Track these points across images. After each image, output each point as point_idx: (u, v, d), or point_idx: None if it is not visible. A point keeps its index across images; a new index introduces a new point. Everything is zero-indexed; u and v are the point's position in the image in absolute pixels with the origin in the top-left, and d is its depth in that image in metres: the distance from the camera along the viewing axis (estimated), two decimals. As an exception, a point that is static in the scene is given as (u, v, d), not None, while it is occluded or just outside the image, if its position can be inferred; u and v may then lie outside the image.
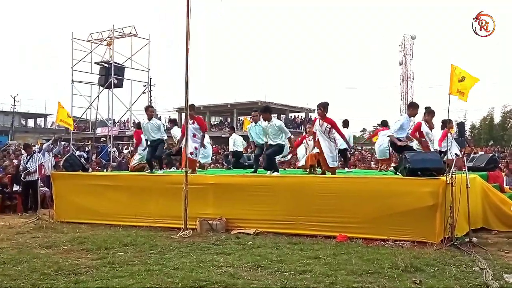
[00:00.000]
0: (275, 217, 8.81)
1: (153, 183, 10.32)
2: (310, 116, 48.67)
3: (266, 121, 10.32)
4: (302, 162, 12.66)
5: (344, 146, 11.81)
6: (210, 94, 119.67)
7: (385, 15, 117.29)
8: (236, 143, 14.78)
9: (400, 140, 9.58)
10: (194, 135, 10.99)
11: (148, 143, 11.56)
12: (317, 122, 10.00)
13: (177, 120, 29.15)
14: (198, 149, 11.11)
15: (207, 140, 13.68)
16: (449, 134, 10.81)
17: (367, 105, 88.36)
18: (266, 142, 10.56)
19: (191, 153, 10.51)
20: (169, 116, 44.83)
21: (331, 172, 9.85)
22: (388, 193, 8.13)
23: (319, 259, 6.56)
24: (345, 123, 13.29)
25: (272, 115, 11.07)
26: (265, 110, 10.55)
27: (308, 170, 11.49)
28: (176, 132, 12.65)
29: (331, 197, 8.50)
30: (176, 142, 12.23)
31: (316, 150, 10.12)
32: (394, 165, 11.08)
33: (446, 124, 11.11)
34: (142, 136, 12.22)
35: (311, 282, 5.41)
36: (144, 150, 12.25)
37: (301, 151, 12.80)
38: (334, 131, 9.87)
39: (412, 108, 10.16)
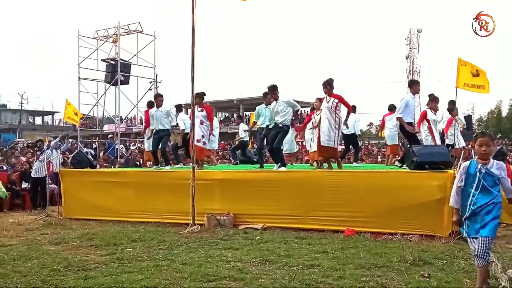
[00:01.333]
0: (282, 212, 8.82)
1: (160, 179, 10.35)
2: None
3: (274, 101, 10.25)
4: (312, 147, 12.40)
5: (352, 131, 11.79)
6: (217, 90, 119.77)
7: (391, 9, 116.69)
8: (243, 129, 14.84)
9: (409, 125, 9.58)
10: (202, 122, 10.94)
11: (154, 132, 11.60)
12: (325, 100, 9.89)
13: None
14: (205, 137, 11.07)
15: (216, 125, 13.80)
16: (454, 121, 10.80)
17: (373, 100, 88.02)
18: (268, 126, 10.53)
19: (197, 141, 10.50)
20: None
21: (321, 155, 9.78)
22: (395, 187, 8.12)
23: (327, 253, 6.56)
24: (353, 108, 13.16)
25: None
26: (275, 88, 10.30)
27: (315, 164, 11.47)
28: (183, 117, 12.52)
29: (339, 191, 8.49)
30: (181, 131, 12.20)
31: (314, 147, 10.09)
32: (399, 158, 11.08)
33: (452, 105, 11.09)
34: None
35: (319, 276, 5.42)
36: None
37: (307, 136, 12.77)
38: (341, 107, 9.71)
39: (414, 85, 10.13)
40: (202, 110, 10.98)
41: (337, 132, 9.70)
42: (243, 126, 15.04)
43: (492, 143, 4.70)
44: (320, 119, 9.97)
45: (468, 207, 4.65)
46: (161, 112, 11.44)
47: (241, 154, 14.71)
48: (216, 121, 14.38)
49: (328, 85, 9.74)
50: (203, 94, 10.98)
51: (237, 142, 15.21)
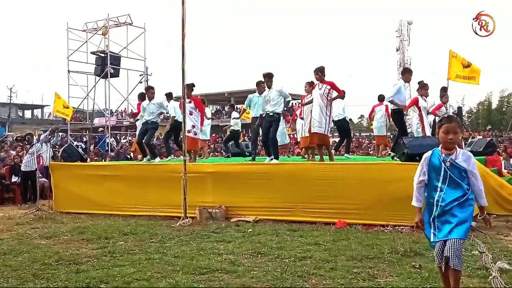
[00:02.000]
0: (274, 204, 8.83)
1: (152, 172, 10.32)
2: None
3: (267, 89, 10.22)
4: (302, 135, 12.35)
5: (342, 116, 11.83)
6: (207, 83, 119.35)
7: (382, 1, 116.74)
8: (236, 121, 14.47)
9: (399, 112, 9.68)
10: (191, 113, 10.89)
11: (142, 123, 11.56)
12: (317, 87, 9.87)
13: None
14: (196, 127, 11.02)
15: (208, 116, 13.78)
16: (444, 108, 10.85)
17: (364, 92, 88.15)
18: (262, 115, 10.49)
19: (188, 131, 10.46)
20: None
21: (313, 142, 9.79)
22: (386, 178, 8.14)
23: (318, 245, 6.58)
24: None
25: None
26: (271, 76, 10.21)
27: (306, 156, 11.46)
28: (173, 105, 12.41)
29: (330, 183, 8.51)
30: (171, 118, 12.14)
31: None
32: (390, 149, 11.13)
33: (443, 92, 11.13)
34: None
35: (311, 268, 5.43)
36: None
37: (298, 126, 12.73)
38: (333, 93, 9.69)
39: (407, 73, 10.21)
40: (190, 102, 10.92)
41: (328, 119, 9.72)
42: (234, 115, 14.78)
43: (460, 130, 4.00)
44: (312, 104, 9.97)
45: (435, 204, 3.93)
46: (153, 105, 11.38)
47: (235, 146, 14.61)
48: (208, 112, 14.33)
49: (319, 71, 9.72)
50: (192, 85, 10.93)
51: (228, 132, 15.05)
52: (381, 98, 12.82)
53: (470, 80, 8.44)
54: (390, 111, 10.47)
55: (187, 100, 10.70)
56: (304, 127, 11.02)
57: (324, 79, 9.69)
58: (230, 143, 14.91)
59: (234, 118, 14.41)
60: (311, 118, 9.90)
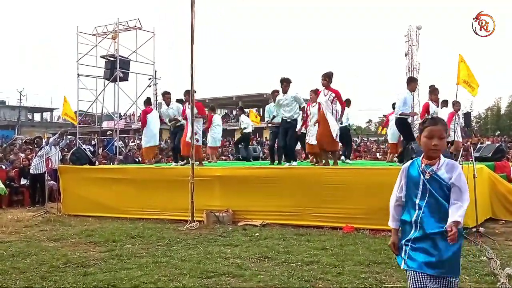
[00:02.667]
0: (281, 208, 8.82)
1: (159, 175, 10.37)
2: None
3: (283, 94, 10.18)
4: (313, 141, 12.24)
5: (344, 124, 11.67)
6: (216, 87, 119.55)
7: (391, 6, 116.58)
8: (248, 122, 14.46)
9: (405, 126, 9.66)
10: None
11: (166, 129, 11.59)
12: (322, 92, 9.75)
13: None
14: (198, 134, 10.93)
15: (217, 122, 13.72)
16: (456, 116, 10.79)
17: (373, 97, 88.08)
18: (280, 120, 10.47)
19: (190, 138, 10.52)
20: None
21: (330, 148, 9.66)
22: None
23: (326, 250, 6.56)
24: (347, 102, 12.98)
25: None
26: (288, 82, 10.16)
27: (310, 160, 11.42)
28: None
29: (338, 188, 8.50)
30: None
31: (313, 141, 9.99)
32: (397, 155, 11.05)
33: (454, 105, 11.08)
34: (148, 116, 12.24)
35: (318, 273, 5.42)
36: (150, 133, 12.22)
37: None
38: (337, 102, 9.60)
39: (412, 82, 10.15)
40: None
41: (338, 123, 9.70)
42: (243, 118, 14.69)
43: (446, 135, 3.27)
44: (321, 116, 9.81)
45: (414, 224, 3.13)
46: (172, 110, 11.43)
47: (244, 147, 14.56)
48: (218, 118, 14.32)
49: (327, 77, 9.63)
50: (188, 91, 11.00)
51: (239, 134, 14.99)
52: (394, 107, 12.74)
53: (471, 89, 8.44)
54: (395, 121, 10.34)
55: (189, 106, 10.76)
56: (310, 135, 10.85)
57: (330, 85, 9.64)
58: (241, 144, 14.83)
59: (243, 121, 14.34)
60: (320, 125, 9.76)
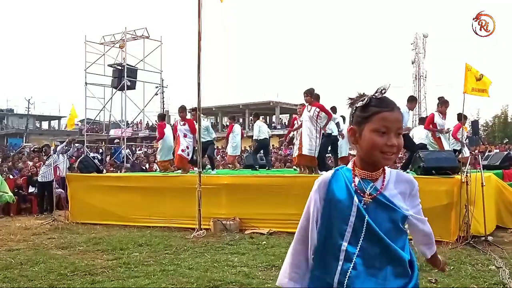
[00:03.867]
0: (288, 216, 8.76)
1: (167, 183, 10.38)
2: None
3: (308, 105, 10.09)
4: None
5: (334, 133, 11.61)
6: (222, 95, 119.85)
7: (397, 14, 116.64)
8: (261, 130, 13.87)
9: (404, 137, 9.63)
10: (185, 135, 11.26)
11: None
12: (305, 109, 9.84)
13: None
14: (190, 148, 11.29)
15: (237, 132, 14.05)
16: (462, 129, 10.73)
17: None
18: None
19: (182, 150, 10.99)
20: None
21: (301, 163, 9.77)
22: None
23: (333, 259, 6.52)
24: (333, 109, 12.94)
25: (284, 115, 10.86)
26: (311, 93, 10.03)
27: (298, 169, 11.34)
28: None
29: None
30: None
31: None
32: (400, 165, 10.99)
33: (461, 117, 11.04)
34: (165, 130, 12.40)
35: (325, 282, 5.39)
36: (167, 146, 12.34)
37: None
38: (322, 116, 9.65)
39: (412, 102, 10.16)
40: (184, 124, 11.27)
41: (318, 141, 9.70)
42: (260, 126, 14.01)
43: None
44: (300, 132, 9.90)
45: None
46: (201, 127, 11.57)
47: (264, 154, 14.43)
48: (238, 128, 14.43)
49: (309, 93, 9.73)
50: (183, 108, 11.59)
51: (255, 143, 14.51)
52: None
53: (482, 93, 8.40)
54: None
55: (181, 123, 11.20)
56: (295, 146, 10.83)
57: (313, 101, 9.70)
58: (259, 152, 14.53)
59: (261, 128, 13.92)
60: (301, 139, 9.82)
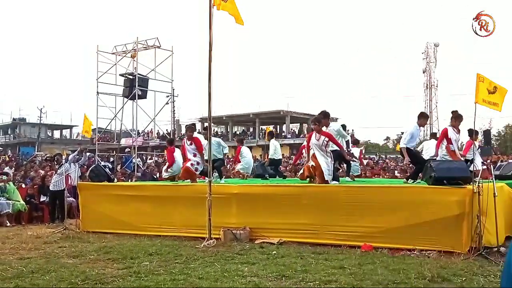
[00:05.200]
0: (299, 226, 8.78)
1: (177, 192, 10.40)
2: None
3: (324, 127, 10.19)
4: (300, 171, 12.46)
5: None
6: (233, 104, 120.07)
7: (408, 23, 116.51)
8: (277, 150, 13.96)
9: (408, 153, 9.66)
10: (195, 155, 11.25)
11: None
12: (313, 136, 9.78)
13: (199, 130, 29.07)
14: (200, 164, 11.24)
15: (245, 155, 14.01)
16: (474, 145, 10.65)
17: (391, 114, 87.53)
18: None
19: (191, 164, 11.07)
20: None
21: (322, 182, 9.74)
22: (413, 202, 8.05)
23: (344, 269, 6.51)
24: (355, 142, 12.94)
25: (294, 124, 10.91)
26: (326, 116, 10.24)
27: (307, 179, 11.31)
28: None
29: (356, 206, 8.44)
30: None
31: (312, 162, 9.97)
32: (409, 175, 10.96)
33: (472, 133, 10.96)
34: (175, 154, 12.46)
35: (336, 292, 5.37)
36: (179, 170, 12.32)
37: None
38: (330, 144, 9.75)
39: (422, 118, 10.13)
40: (191, 144, 11.23)
41: (332, 166, 9.69)
42: (276, 145, 14.10)
43: None
44: (313, 158, 9.76)
45: None
46: (212, 145, 11.58)
47: (259, 167, 14.51)
48: (246, 151, 14.39)
49: (318, 122, 9.75)
50: (193, 126, 11.77)
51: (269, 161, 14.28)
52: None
53: (493, 105, 8.37)
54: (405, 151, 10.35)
55: (188, 142, 11.28)
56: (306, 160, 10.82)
57: (322, 129, 9.74)
58: (269, 166, 14.35)
59: (276, 147, 13.93)
60: (315, 159, 9.70)
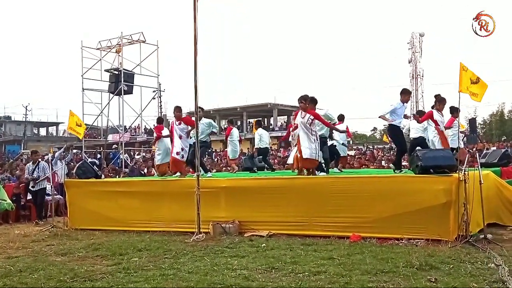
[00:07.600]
0: (288, 218, 8.81)
1: (165, 187, 10.37)
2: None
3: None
4: (290, 161, 12.53)
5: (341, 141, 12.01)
6: (220, 98, 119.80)
7: (394, 13, 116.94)
8: (262, 138, 13.80)
9: (396, 128, 9.71)
10: (180, 137, 11.25)
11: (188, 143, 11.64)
12: (299, 114, 9.84)
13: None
14: (184, 150, 11.28)
15: (235, 137, 14.09)
16: (456, 122, 10.67)
17: (377, 104, 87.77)
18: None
19: (177, 153, 11.04)
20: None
21: (306, 167, 9.75)
22: (401, 191, 8.10)
23: (333, 260, 6.54)
24: (340, 118, 12.86)
25: (282, 117, 10.93)
26: (313, 101, 10.05)
27: (296, 171, 11.34)
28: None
29: (344, 197, 8.48)
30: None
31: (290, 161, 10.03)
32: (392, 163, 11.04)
33: (454, 110, 11.00)
34: (162, 132, 12.52)
35: (325, 283, 5.40)
36: (165, 148, 12.35)
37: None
38: (316, 122, 9.71)
39: (404, 94, 10.09)
40: (180, 123, 11.26)
41: (317, 144, 9.68)
42: (262, 134, 13.91)
43: None
44: (297, 137, 9.92)
45: None
46: (203, 125, 11.48)
47: (248, 160, 14.54)
48: (236, 132, 14.45)
49: (304, 100, 9.74)
50: (178, 107, 11.56)
51: (256, 151, 14.19)
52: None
53: (474, 96, 8.48)
54: (387, 126, 10.32)
55: (177, 122, 11.28)
56: (293, 150, 10.90)
57: (308, 107, 9.71)
58: (256, 157, 14.32)
59: (262, 136, 13.83)
60: (299, 145, 9.79)
